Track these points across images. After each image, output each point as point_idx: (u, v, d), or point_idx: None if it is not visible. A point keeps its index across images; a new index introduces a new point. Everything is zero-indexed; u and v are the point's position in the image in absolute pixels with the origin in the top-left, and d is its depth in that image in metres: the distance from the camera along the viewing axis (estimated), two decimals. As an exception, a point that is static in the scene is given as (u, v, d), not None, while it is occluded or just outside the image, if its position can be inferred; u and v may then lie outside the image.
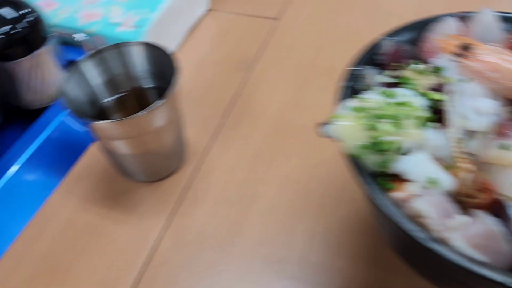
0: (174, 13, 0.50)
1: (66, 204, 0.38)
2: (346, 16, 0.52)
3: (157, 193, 0.38)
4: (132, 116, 0.32)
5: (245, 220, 0.36)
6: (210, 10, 0.57)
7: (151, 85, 0.38)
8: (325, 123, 0.24)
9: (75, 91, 0.35)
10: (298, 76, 0.47)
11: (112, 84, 0.37)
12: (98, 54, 0.36)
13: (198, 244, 0.35)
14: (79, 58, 0.35)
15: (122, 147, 0.35)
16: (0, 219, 0.36)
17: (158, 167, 0.38)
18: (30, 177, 0.38)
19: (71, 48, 0.47)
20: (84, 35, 0.43)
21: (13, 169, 0.38)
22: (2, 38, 0.38)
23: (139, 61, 0.37)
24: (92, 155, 0.41)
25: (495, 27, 0.27)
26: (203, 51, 0.51)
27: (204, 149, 0.41)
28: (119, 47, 0.36)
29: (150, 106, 0.32)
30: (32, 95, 0.42)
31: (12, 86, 0.42)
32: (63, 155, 0.41)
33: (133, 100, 0.38)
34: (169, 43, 0.49)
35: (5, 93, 0.43)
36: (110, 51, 0.36)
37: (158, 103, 0.32)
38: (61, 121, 0.41)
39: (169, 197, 0.38)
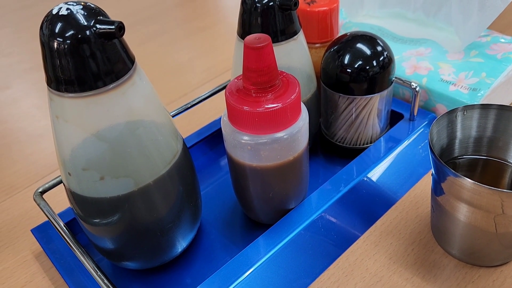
0: (509, 83, 0.45)
1: (372, 256, 0.35)
2: None
3: (480, 280, 0.32)
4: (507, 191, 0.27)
5: None
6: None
7: None
8: None
9: (438, 136, 0.32)
10: None
11: (473, 143, 0.34)
12: (474, 109, 0.33)
13: None
14: (463, 105, 0.33)
15: (467, 215, 0.30)
16: (304, 260, 0.34)
17: (488, 252, 0.32)
18: (335, 220, 0.36)
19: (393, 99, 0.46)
20: (418, 85, 0.41)
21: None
22: (354, 72, 0.38)
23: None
24: (403, 212, 0.38)
25: None
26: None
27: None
28: (503, 109, 0.32)
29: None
30: (351, 133, 0.41)
31: (330, 119, 0.42)
32: (372, 203, 0.38)
33: (491, 170, 0.34)
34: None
35: (317, 123, 0.44)
36: (487, 110, 0.33)
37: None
38: (375, 168, 0.39)
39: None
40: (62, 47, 0.24)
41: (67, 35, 0.24)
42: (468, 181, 0.28)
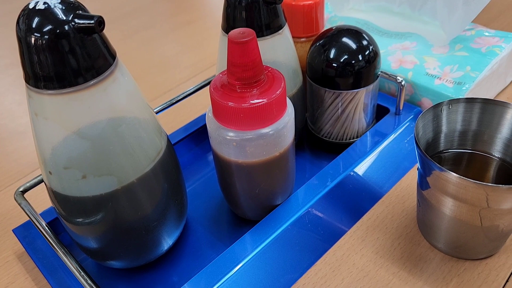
0: (493, 77, 0.45)
1: (359, 251, 0.35)
2: None
3: (465, 273, 0.32)
4: (500, 186, 0.27)
5: None
6: (513, 81, 0.51)
7: (501, 156, 0.34)
8: None
9: (424, 130, 0.32)
10: None
11: (458, 136, 0.34)
12: (459, 103, 0.33)
13: None
14: (451, 99, 0.33)
15: (452, 209, 0.30)
16: (291, 256, 0.34)
17: (473, 245, 0.32)
18: (322, 215, 0.36)
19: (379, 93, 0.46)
20: (403, 79, 0.41)
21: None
22: (340, 66, 0.37)
23: (500, 124, 0.32)
24: (390, 206, 0.38)
25: None
26: None
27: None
28: (487, 103, 0.32)
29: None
30: (337, 128, 0.41)
31: (316, 114, 0.42)
32: (359, 197, 0.38)
33: (476, 163, 0.34)
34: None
35: (303, 118, 0.44)
36: (472, 104, 0.33)
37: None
38: (362, 162, 0.39)
39: (472, 284, 0.32)
40: (40, 43, 0.23)
41: (44, 30, 0.23)
42: (453, 175, 0.28)
